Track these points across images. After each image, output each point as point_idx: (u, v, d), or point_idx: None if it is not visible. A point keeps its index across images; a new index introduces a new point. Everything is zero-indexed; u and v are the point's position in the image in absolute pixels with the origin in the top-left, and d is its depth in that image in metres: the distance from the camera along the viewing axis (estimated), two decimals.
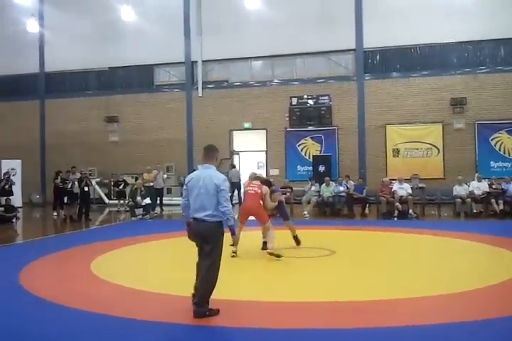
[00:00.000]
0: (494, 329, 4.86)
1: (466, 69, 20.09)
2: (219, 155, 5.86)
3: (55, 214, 16.94)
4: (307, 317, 5.31)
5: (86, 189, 16.09)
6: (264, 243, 9.12)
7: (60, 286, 6.89)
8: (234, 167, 21.27)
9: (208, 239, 5.34)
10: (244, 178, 21.70)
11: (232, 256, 8.40)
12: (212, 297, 5.37)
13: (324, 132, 21.18)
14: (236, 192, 20.99)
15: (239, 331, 4.93)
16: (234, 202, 20.79)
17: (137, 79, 24.09)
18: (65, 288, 6.74)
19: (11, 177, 17.75)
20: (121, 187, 19.56)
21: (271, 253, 8.46)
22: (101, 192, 22.26)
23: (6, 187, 16.67)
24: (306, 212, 15.81)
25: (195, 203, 5.43)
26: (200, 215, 5.37)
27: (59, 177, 16.47)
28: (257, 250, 9.21)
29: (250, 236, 9.55)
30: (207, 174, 5.47)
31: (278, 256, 8.39)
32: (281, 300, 5.90)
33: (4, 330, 4.98)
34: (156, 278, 7.34)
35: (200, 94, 22.70)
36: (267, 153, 22.05)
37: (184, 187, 5.66)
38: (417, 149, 20.28)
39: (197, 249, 5.46)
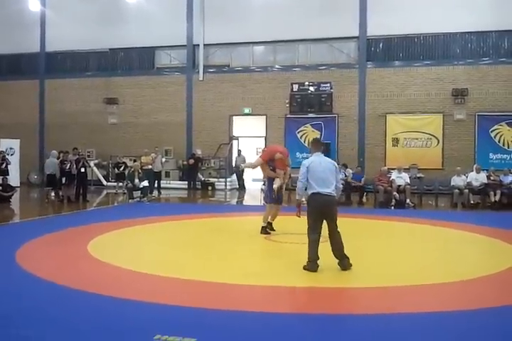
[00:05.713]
0: (490, 318, 4.90)
1: (469, 60, 20.00)
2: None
3: (53, 194, 16.94)
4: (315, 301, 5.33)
5: (83, 170, 16.12)
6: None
7: (57, 266, 6.92)
8: (240, 153, 21.58)
9: (334, 210, 6.67)
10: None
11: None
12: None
13: (324, 119, 21.13)
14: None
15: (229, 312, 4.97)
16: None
17: (138, 61, 23.93)
18: (62, 268, 6.78)
19: (7, 157, 17.70)
20: (121, 169, 19.55)
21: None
22: (99, 174, 22.23)
23: (2, 166, 16.63)
24: (303, 199, 15.82)
25: (318, 180, 6.60)
26: (328, 190, 6.58)
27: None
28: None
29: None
30: (323, 159, 6.86)
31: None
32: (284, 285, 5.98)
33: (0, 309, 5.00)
34: (152, 259, 7.40)
35: (201, 78, 22.61)
36: (266, 139, 21.99)
37: (304, 169, 6.68)
38: (417, 139, 20.26)
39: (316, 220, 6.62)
